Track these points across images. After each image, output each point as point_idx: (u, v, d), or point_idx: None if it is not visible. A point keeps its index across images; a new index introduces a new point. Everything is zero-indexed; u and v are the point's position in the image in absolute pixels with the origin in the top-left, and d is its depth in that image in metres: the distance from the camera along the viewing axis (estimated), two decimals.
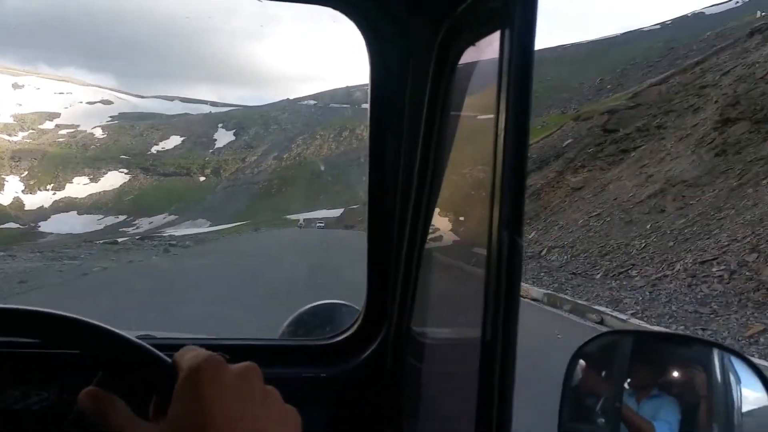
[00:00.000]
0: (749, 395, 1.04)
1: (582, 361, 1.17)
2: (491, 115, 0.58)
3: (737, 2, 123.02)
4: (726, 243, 10.81)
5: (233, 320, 8.42)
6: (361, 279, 1.18)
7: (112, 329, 0.63)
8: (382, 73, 1.02)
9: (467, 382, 0.62)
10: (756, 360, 5.88)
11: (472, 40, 0.86)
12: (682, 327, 8.32)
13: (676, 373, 1.18)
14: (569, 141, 27.28)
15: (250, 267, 18.41)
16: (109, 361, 0.62)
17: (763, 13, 49.58)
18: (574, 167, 23.64)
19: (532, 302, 11.31)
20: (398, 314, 1.11)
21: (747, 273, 9.50)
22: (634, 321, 8.92)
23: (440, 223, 1.08)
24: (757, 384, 1.02)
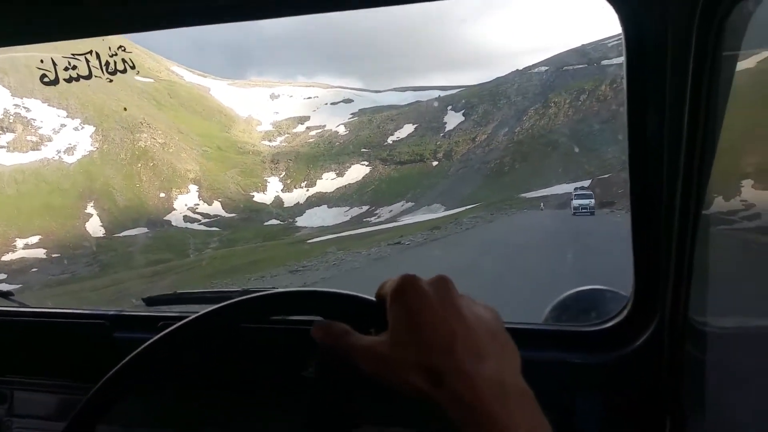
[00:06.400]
0: None
1: None
2: None
3: None
4: None
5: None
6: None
7: (326, 290, 0.73)
8: (638, 43, 0.90)
9: None
10: None
11: None
12: None
13: None
14: None
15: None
16: (331, 312, 0.71)
17: None
18: None
19: None
20: (672, 300, 1.03)
21: None
22: None
23: (719, 197, 0.99)
24: None
